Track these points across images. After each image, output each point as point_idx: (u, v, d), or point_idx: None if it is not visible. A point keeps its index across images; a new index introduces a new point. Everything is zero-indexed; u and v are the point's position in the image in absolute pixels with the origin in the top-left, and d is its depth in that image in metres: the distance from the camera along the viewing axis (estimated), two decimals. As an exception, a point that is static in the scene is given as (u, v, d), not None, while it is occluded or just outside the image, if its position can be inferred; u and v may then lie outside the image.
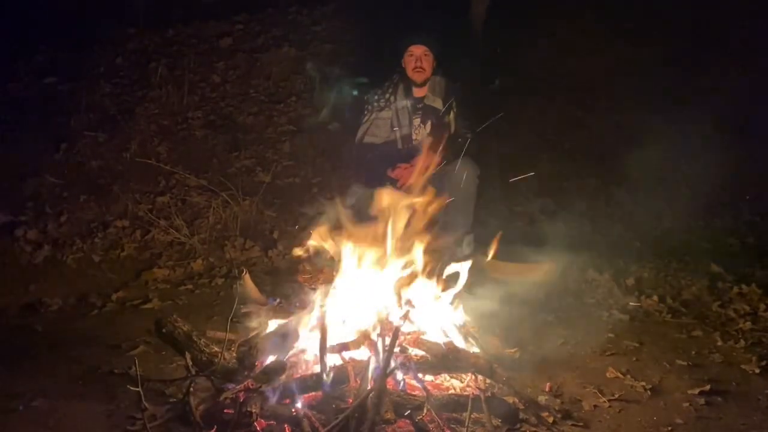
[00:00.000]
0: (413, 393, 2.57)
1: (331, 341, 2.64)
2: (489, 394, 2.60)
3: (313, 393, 2.56)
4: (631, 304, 3.96)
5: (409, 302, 2.84)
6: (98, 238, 4.66)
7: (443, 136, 4.17)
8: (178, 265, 4.46)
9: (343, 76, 5.39)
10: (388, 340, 2.55)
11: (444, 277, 2.98)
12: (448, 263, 3.03)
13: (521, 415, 2.55)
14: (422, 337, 2.78)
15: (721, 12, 6.63)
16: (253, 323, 2.90)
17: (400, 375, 2.63)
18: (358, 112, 4.42)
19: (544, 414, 2.57)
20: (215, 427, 2.44)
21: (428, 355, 2.72)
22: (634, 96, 6.53)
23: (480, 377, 2.73)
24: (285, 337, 2.73)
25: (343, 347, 2.67)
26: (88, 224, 4.79)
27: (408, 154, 4.24)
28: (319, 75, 5.81)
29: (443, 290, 2.97)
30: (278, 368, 2.56)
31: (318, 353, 2.56)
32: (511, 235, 5.12)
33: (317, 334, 2.62)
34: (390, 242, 2.87)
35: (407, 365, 2.65)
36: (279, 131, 5.77)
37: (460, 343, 2.83)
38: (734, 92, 6.26)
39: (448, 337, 2.83)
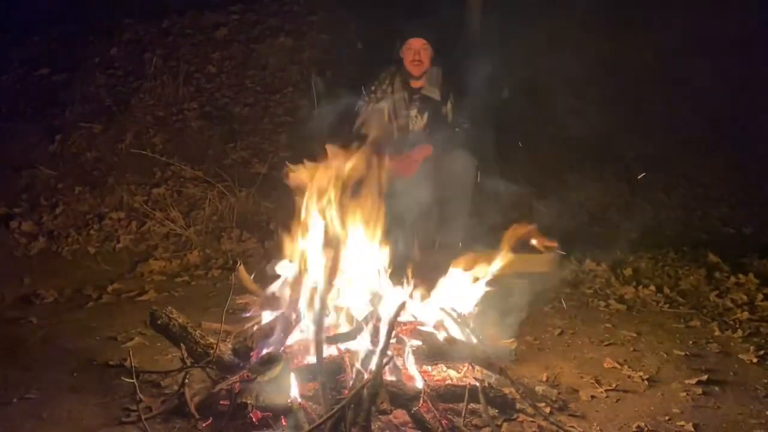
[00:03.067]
0: (410, 383, 2.56)
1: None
2: (486, 384, 2.59)
3: (310, 384, 2.55)
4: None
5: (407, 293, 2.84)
6: (93, 229, 4.64)
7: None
8: (174, 256, 4.45)
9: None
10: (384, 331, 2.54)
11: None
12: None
13: (518, 406, 2.54)
14: (419, 327, 2.77)
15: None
16: (249, 315, 2.89)
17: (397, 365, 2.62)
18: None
19: (541, 404, 2.56)
20: (211, 418, 2.43)
21: (425, 346, 2.71)
22: (633, 87, 6.51)
23: (477, 367, 2.72)
24: (281, 327, 2.72)
25: (340, 337, 2.65)
26: (83, 216, 4.77)
27: (404, 144, 4.22)
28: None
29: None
30: (274, 359, 2.55)
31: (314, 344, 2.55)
32: (509, 225, 5.13)
33: (314, 325, 2.61)
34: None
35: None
36: (275, 122, 5.74)
37: (457, 333, 2.81)
38: (732, 84, 6.26)
39: (445, 327, 2.81)
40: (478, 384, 2.55)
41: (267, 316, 2.80)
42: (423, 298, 2.92)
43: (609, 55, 6.68)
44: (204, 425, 2.41)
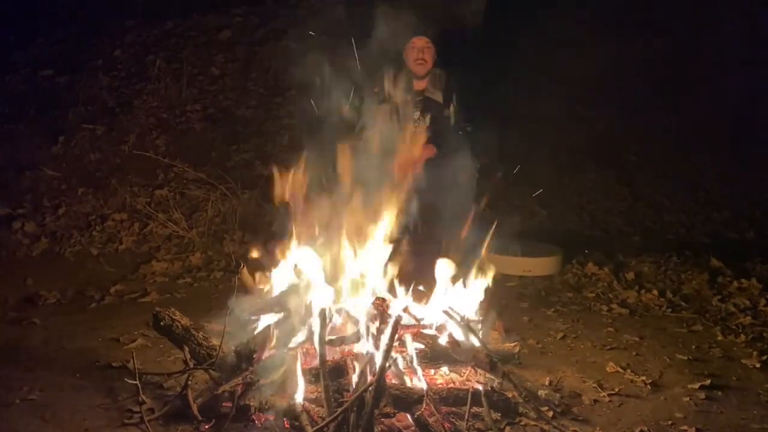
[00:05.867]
0: (413, 387, 2.56)
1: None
2: (488, 388, 2.59)
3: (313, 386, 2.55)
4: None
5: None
6: (96, 231, 4.65)
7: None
8: (176, 258, 4.44)
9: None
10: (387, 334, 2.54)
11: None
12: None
13: (521, 409, 2.53)
14: (422, 330, 2.77)
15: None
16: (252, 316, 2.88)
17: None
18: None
19: (544, 408, 2.56)
20: (213, 420, 2.43)
21: (428, 349, 2.71)
22: (634, 91, 6.52)
23: (479, 371, 2.72)
24: (283, 330, 2.72)
25: (343, 340, 2.66)
26: (86, 217, 4.77)
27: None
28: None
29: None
30: (277, 362, 2.55)
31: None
32: (511, 229, 5.13)
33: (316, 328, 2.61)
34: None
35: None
36: (278, 124, 5.75)
37: (460, 336, 2.81)
38: (733, 88, 6.26)
39: (448, 330, 2.81)
40: (481, 387, 2.55)
41: (270, 318, 2.80)
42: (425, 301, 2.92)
43: (611, 58, 6.69)
44: (206, 427, 2.41)
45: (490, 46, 6.11)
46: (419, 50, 4.17)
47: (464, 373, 2.77)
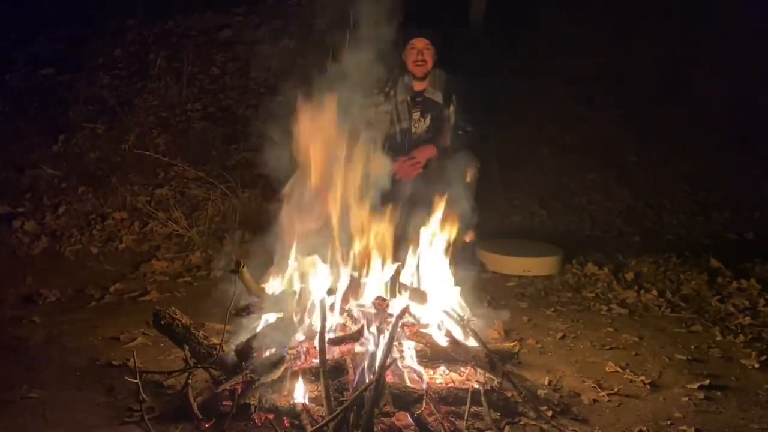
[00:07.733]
0: (412, 386, 2.56)
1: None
2: (488, 387, 2.59)
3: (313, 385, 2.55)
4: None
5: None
6: (96, 229, 4.64)
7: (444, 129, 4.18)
8: (176, 257, 4.44)
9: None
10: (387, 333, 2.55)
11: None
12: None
13: (520, 409, 2.54)
14: (422, 330, 2.78)
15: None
16: (252, 316, 2.89)
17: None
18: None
19: (543, 408, 2.56)
20: (213, 419, 2.44)
21: (427, 348, 2.72)
22: (635, 91, 6.52)
23: (479, 370, 2.72)
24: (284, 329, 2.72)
25: (342, 339, 2.66)
26: (86, 216, 4.77)
27: (407, 147, 4.23)
28: None
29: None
30: (277, 361, 2.56)
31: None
32: (511, 229, 5.15)
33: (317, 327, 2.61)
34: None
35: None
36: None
37: (459, 336, 2.82)
38: (734, 88, 6.27)
39: (447, 329, 2.82)
40: (480, 387, 2.55)
41: (270, 317, 2.81)
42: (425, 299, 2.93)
43: (611, 59, 6.70)
44: (207, 426, 2.42)
45: (490, 45, 6.12)
46: (419, 51, 4.19)
47: (464, 372, 2.78)
